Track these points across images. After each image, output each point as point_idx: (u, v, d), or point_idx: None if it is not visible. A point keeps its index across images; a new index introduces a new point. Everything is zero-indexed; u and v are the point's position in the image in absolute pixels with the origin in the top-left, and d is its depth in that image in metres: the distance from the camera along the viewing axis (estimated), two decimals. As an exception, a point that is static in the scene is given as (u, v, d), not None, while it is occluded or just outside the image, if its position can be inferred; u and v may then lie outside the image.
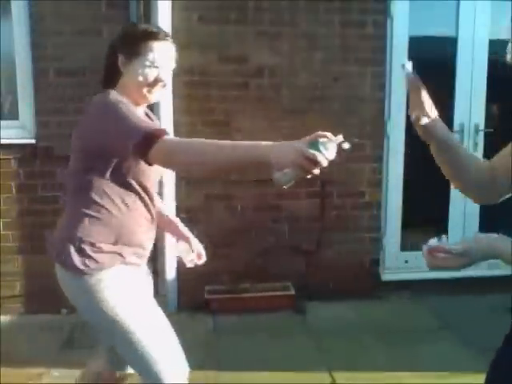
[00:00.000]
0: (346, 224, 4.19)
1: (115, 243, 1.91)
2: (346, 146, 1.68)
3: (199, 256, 2.32)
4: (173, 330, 2.10)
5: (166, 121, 3.76)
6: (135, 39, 1.90)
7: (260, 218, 4.09)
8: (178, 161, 1.71)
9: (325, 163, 1.58)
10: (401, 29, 4.10)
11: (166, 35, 1.94)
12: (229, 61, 3.90)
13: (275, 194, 4.06)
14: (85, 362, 3.00)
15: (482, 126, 4.30)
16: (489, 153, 4.33)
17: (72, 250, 1.87)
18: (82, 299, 1.93)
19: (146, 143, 1.68)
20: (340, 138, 1.63)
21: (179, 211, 3.94)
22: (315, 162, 1.55)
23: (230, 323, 3.81)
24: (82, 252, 1.87)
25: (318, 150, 1.58)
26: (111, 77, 1.98)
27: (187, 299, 3.99)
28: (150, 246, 2.06)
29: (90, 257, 1.87)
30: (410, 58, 4.10)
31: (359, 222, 4.20)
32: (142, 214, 1.97)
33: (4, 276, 3.90)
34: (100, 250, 1.88)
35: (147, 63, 1.88)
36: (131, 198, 1.92)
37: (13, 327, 3.78)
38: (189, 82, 3.88)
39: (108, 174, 1.87)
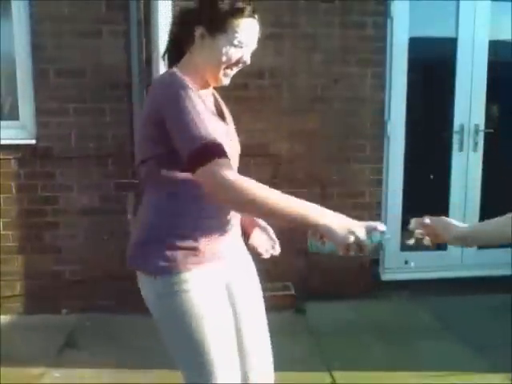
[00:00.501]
0: (346, 224, 4.18)
1: (194, 238, 1.68)
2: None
3: (276, 246, 2.13)
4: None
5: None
6: (223, 14, 1.66)
7: (260, 218, 4.09)
8: (229, 198, 1.55)
9: (366, 253, 1.58)
10: (401, 30, 4.10)
11: (254, 11, 1.71)
12: (229, 61, 3.90)
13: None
14: (85, 363, 3.01)
15: (482, 127, 4.31)
16: (489, 153, 4.37)
17: (147, 247, 1.70)
18: (156, 304, 1.73)
19: (197, 159, 1.51)
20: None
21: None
22: (360, 250, 1.54)
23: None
24: (159, 250, 1.67)
25: (371, 242, 1.58)
26: (178, 51, 1.77)
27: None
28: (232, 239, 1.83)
29: (166, 255, 1.66)
30: (410, 58, 4.09)
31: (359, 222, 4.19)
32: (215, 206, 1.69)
33: (4, 276, 3.90)
34: (177, 247, 1.66)
35: (235, 42, 1.67)
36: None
37: (13, 327, 3.78)
38: (189, 82, 3.88)
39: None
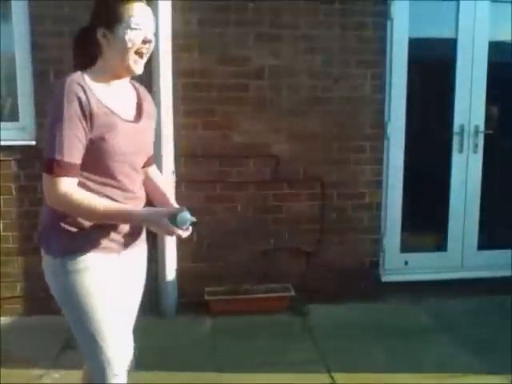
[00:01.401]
0: (346, 225, 4.19)
1: (88, 225, 1.87)
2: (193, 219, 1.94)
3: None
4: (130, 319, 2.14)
5: (166, 122, 3.77)
6: (113, 5, 1.83)
7: (260, 219, 4.09)
8: (58, 207, 1.81)
9: (185, 235, 1.86)
10: (401, 30, 4.10)
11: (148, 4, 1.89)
12: (229, 62, 3.90)
13: (276, 195, 4.06)
14: (82, 364, 3.01)
15: (481, 128, 4.31)
16: (489, 154, 4.37)
17: (49, 232, 1.91)
18: (54, 282, 1.95)
19: (45, 166, 1.79)
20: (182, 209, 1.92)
21: (179, 213, 3.94)
22: (177, 235, 1.84)
23: (230, 324, 3.81)
24: (57, 234, 1.88)
25: (177, 226, 1.84)
26: (85, 60, 1.96)
27: (187, 301, 3.99)
28: (127, 230, 1.96)
29: (63, 239, 1.87)
30: (410, 59, 4.11)
31: (359, 223, 4.20)
32: (114, 195, 1.88)
33: (4, 277, 3.90)
34: (73, 233, 1.86)
35: (133, 25, 1.83)
36: (101, 178, 1.86)
37: (13, 328, 3.78)
38: (189, 83, 3.88)
39: None
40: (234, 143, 3.99)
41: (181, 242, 3.97)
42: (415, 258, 4.40)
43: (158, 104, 3.75)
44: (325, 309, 4.02)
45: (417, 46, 4.16)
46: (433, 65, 4.38)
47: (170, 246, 3.89)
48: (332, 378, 3.13)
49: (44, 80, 3.77)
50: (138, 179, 2.03)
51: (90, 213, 1.79)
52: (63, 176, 1.77)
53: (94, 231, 1.87)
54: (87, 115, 1.77)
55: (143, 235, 2.13)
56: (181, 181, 3.93)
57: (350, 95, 4.06)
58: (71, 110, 1.76)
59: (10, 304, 3.93)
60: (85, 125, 1.78)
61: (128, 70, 1.89)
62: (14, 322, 3.88)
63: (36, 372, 3.15)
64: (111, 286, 1.93)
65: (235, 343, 3.56)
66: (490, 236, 4.56)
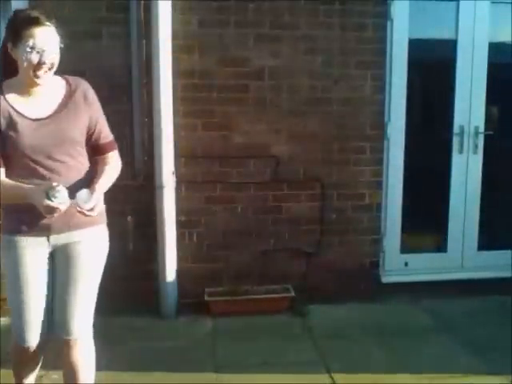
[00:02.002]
0: (346, 226, 4.19)
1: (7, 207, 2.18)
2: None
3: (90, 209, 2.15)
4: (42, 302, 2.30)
5: (166, 123, 3.77)
6: (17, 26, 2.06)
7: (260, 220, 4.09)
8: None
9: (62, 208, 2.01)
10: (401, 31, 4.10)
11: (46, 20, 2.08)
12: (229, 63, 3.90)
13: (276, 196, 4.06)
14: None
15: (481, 129, 4.31)
16: (489, 155, 4.37)
17: None
18: None
19: None
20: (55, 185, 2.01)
21: (179, 213, 3.94)
22: (51, 209, 2.00)
23: (230, 325, 3.81)
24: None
25: (50, 200, 1.98)
26: (8, 66, 2.14)
27: (187, 301, 3.99)
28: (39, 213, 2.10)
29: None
30: (410, 60, 4.11)
31: (359, 224, 4.20)
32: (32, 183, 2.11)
33: (4, 277, 3.89)
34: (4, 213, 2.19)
35: (28, 49, 2.04)
36: (18, 167, 2.13)
37: (13, 329, 3.77)
38: (189, 84, 3.88)
39: None
40: (234, 144, 3.99)
41: (180, 242, 3.97)
42: (415, 258, 4.40)
43: (157, 104, 3.76)
44: (325, 309, 4.02)
45: (417, 47, 4.16)
46: (433, 65, 4.38)
47: (171, 246, 3.89)
48: (332, 378, 3.13)
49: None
50: (62, 167, 2.17)
51: None
52: None
53: (9, 213, 2.19)
54: None
55: (90, 221, 2.23)
56: (181, 181, 3.93)
57: (350, 96, 4.06)
58: None
59: (9, 305, 3.92)
60: None
61: (32, 81, 2.11)
62: (13, 322, 3.87)
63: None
64: (20, 267, 2.20)
65: (235, 344, 3.56)
66: (490, 237, 4.55)
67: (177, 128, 3.85)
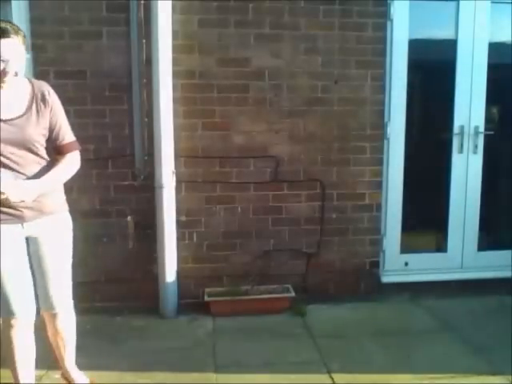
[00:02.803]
0: (345, 226, 4.19)
1: None
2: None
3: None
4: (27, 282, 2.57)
5: (166, 123, 3.77)
6: None
7: (260, 220, 4.09)
8: None
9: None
10: (401, 31, 4.10)
11: (13, 33, 2.29)
12: (229, 63, 3.91)
13: (276, 196, 4.07)
14: (84, 364, 3.01)
15: (481, 129, 4.31)
16: (489, 155, 4.37)
17: None
18: None
19: None
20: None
21: (179, 213, 3.94)
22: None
23: (230, 325, 3.81)
24: None
25: None
26: None
27: (188, 301, 3.99)
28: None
29: None
30: (410, 60, 4.10)
31: (359, 224, 4.20)
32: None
33: None
34: None
35: None
36: None
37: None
38: (189, 84, 3.88)
39: None
40: (234, 144, 3.99)
41: (180, 242, 3.98)
42: (415, 258, 4.40)
43: (157, 104, 3.75)
44: (325, 309, 4.03)
45: (417, 47, 4.16)
46: (433, 66, 4.38)
47: (171, 246, 3.89)
48: (332, 378, 3.13)
49: (44, 81, 3.76)
50: (22, 160, 2.42)
51: None
52: None
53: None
54: None
55: (52, 210, 2.59)
56: (181, 181, 3.93)
57: (350, 96, 4.06)
58: None
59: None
60: None
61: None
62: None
63: (36, 372, 3.13)
64: (4, 252, 2.45)
65: (235, 344, 3.56)
66: (490, 237, 4.56)
67: (177, 128, 3.85)
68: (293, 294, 4.03)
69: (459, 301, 4.13)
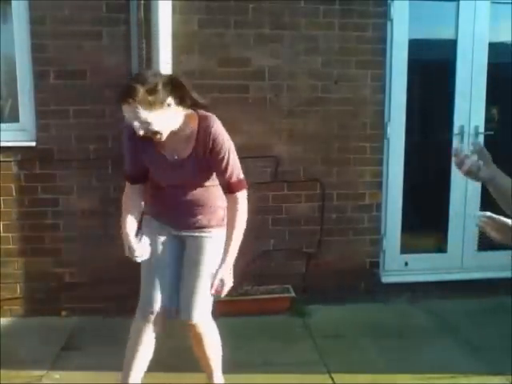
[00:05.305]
0: (346, 226, 4.19)
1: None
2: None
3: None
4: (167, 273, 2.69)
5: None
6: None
7: (260, 220, 4.09)
8: None
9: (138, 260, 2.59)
10: (401, 31, 4.10)
11: (134, 95, 2.19)
12: (229, 63, 3.91)
13: (276, 196, 4.06)
14: (84, 365, 3.01)
15: (481, 129, 4.31)
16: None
17: None
18: None
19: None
20: None
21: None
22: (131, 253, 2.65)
23: (230, 325, 3.80)
24: None
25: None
26: None
27: (187, 301, 3.99)
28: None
29: None
30: (410, 60, 4.08)
31: (359, 224, 4.20)
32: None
33: (4, 278, 3.90)
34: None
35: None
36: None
37: (13, 329, 3.78)
38: (189, 84, 3.87)
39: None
40: (234, 144, 3.98)
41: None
42: (415, 258, 4.40)
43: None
44: (325, 310, 4.03)
45: (417, 47, 4.16)
46: (433, 66, 4.38)
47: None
48: (332, 378, 3.13)
49: (44, 81, 3.78)
50: (184, 194, 2.59)
51: None
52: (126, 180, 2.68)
53: (151, 209, 2.69)
54: None
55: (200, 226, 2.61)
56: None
57: (350, 96, 4.06)
58: (125, 143, 2.60)
59: (10, 305, 3.93)
60: None
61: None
62: (14, 322, 3.88)
63: (36, 373, 3.15)
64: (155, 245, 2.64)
65: (235, 344, 3.55)
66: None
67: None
68: (293, 294, 4.03)
69: (459, 301, 4.13)
